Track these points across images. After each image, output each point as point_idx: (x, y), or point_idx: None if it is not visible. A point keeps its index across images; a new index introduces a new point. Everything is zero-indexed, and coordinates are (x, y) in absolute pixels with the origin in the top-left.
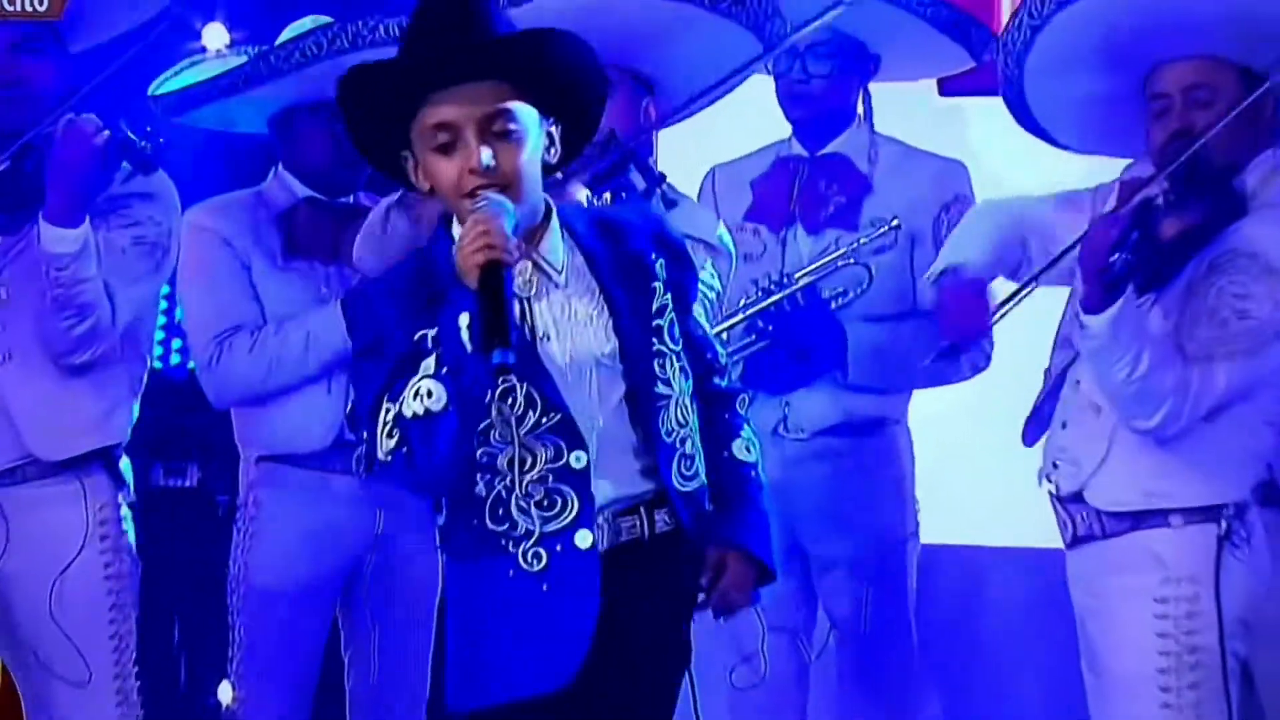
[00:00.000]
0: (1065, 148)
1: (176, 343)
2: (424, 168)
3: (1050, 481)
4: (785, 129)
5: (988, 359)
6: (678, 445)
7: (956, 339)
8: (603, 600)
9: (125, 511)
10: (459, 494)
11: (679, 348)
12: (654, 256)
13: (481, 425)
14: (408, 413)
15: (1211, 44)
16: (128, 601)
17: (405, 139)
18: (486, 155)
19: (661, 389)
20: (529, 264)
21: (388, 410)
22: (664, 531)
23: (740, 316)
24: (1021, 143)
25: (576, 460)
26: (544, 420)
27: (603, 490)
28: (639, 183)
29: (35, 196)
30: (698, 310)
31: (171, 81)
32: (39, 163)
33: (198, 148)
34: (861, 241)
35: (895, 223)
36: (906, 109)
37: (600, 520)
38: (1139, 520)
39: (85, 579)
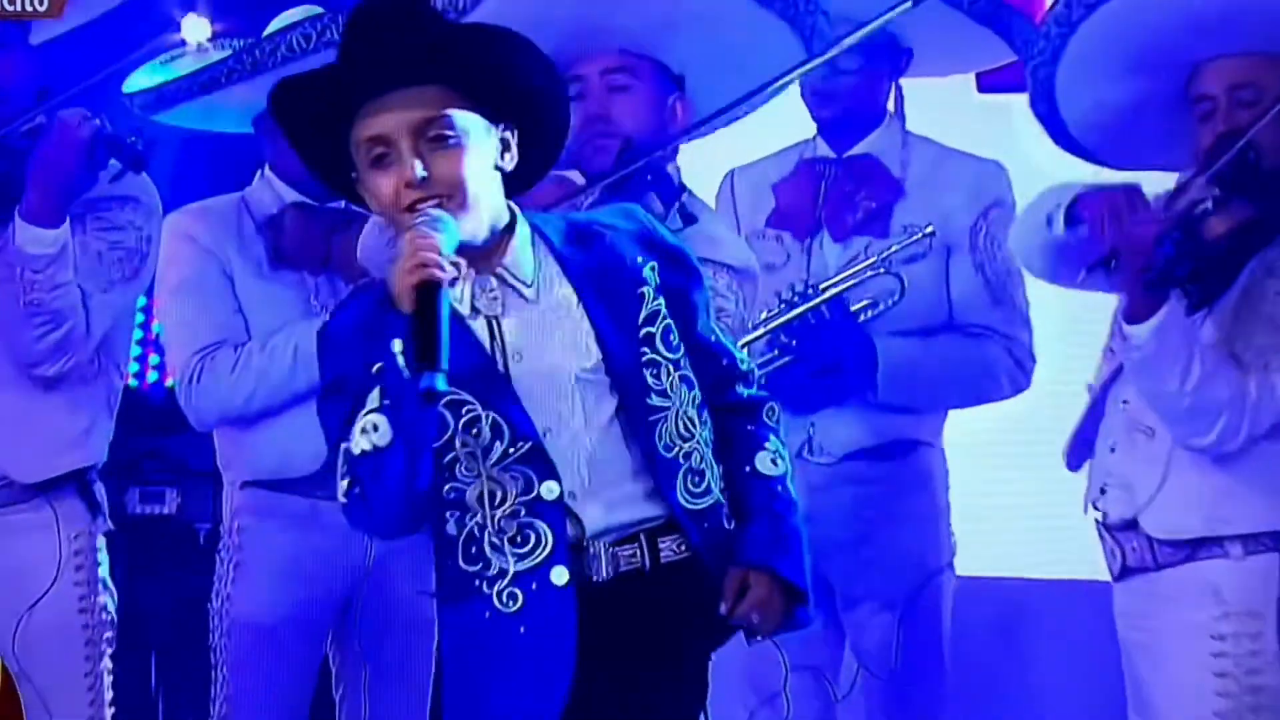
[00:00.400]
0: (1104, 164)
1: (154, 358)
2: (364, 184)
3: (1098, 509)
4: (810, 128)
5: (1029, 377)
6: (681, 460)
7: (1116, 245)
8: (597, 637)
9: (100, 541)
10: (437, 533)
11: (678, 355)
12: (641, 260)
13: (447, 459)
14: (356, 450)
15: (1255, 39)
16: (102, 638)
17: (349, 156)
18: (418, 167)
19: (656, 401)
20: (494, 279)
21: (344, 449)
22: (672, 560)
23: (762, 331)
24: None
25: (548, 491)
26: (511, 450)
27: (592, 518)
28: (656, 205)
29: (5, 196)
30: (707, 317)
31: (148, 77)
32: (11, 161)
33: (178, 149)
34: (893, 249)
35: (929, 229)
36: (941, 106)
37: (595, 550)
38: (1195, 549)
39: (58, 614)
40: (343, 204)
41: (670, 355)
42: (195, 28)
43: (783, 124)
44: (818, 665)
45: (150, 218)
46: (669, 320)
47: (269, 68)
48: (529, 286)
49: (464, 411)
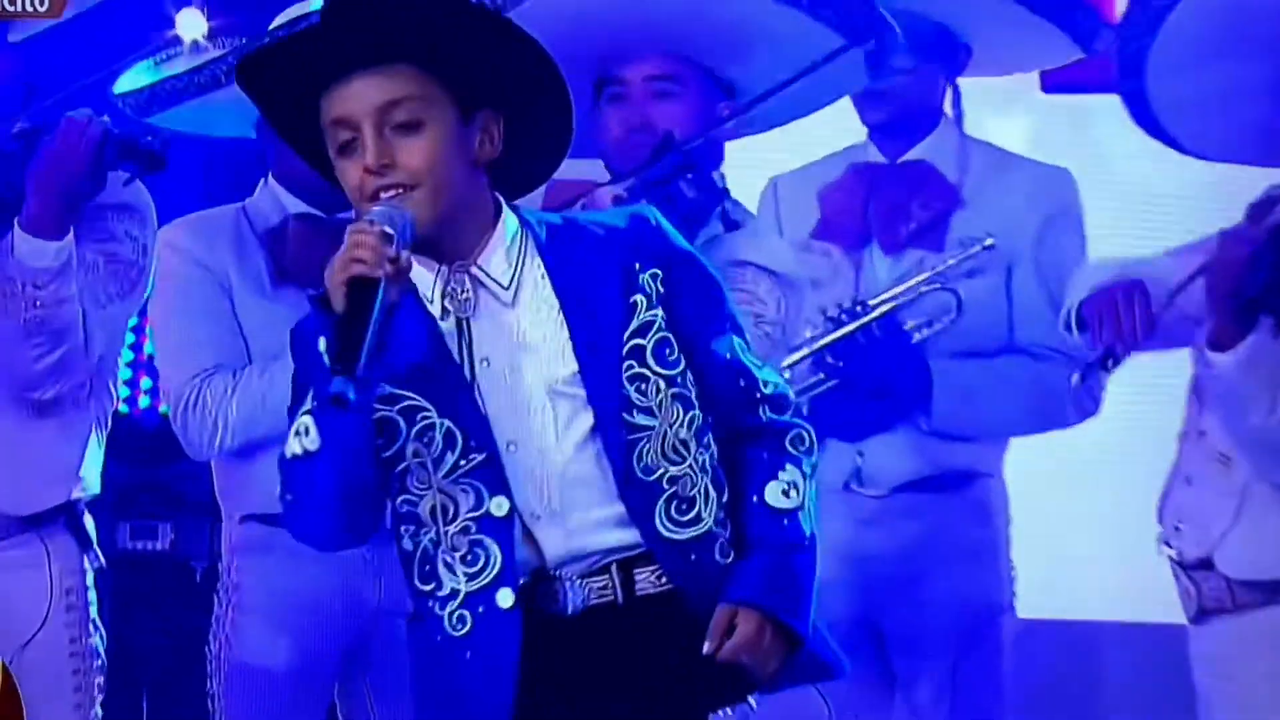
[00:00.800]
0: (1197, 155)
1: (146, 382)
2: (339, 168)
3: (1170, 546)
4: (860, 132)
5: (1097, 404)
6: (664, 485)
7: (1112, 344)
8: (566, 671)
9: (91, 578)
10: (398, 550)
11: (674, 372)
12: (638, 266)
13: (399, 468)
14: (288, 453)
15: None
16: (94, 682)
17: (319, 138)
18: (379, 153)
19: (639, 419)
20: (467, 279)
21: (279, 453)
22: (650, 593)
23: (805, 351)
24: (1139, 147)
25: (497, 507)
26: (463, 462)
27: (553, 542)
28: (689, 194)
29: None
30: (728, 333)
31: (138, 77)
32: (3, 166)
33: (172, 156)
34: (949, 263)
35: (989, 242)
36: (1003, 108)
37: (564, 581)
38: (1275, 592)
39: (48, 655)
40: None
41: (663, 371)
42: (191, 24)
43: (830, 128)
44: (865, 716)
45: (145, 228)
46: (666, 333)
47: None
48: (505, 289)
49: (419, 419)
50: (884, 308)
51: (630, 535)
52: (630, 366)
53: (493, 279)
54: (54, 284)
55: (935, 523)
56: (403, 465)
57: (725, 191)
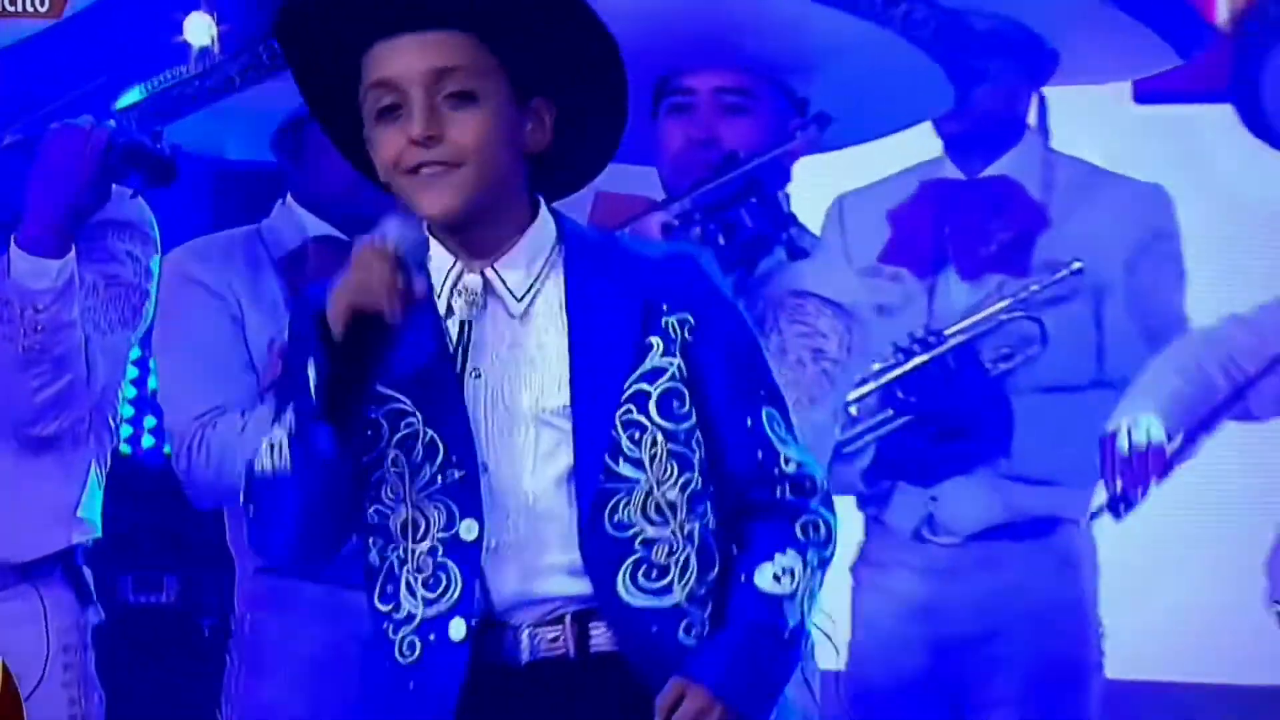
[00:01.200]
0: None
1: (150, 420)
2: (370, 144)
3: (1278, 603)
4: (934, 145)
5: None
6: (636, 546)
7: (1121, 493)
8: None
9: (90, 634)
10: (363, 563)
11: (678, 427)
12: (665, 307)
13: (375, 476)
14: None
15: None
16: None
17: (354, 102)
18: (429, 123)
19: (624, 469)
20: (479, 279)
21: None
22: (605, 650)
23: (873, 385)
24: (1243, 161)
25: (467, 530)
26: (440, 477)
27: (507, 580)
28: (749, 219)
29: None
30: (757, 400)
31: (142, 90)
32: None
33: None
34: (1033, 289)
35: (1077, 265)
36: (1093, 119)
37: (514, 629)
38: None
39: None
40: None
41: (664, 424)
42: (199, 28)
43: (900, 141)
44: None
45: (146, 248)
46: (680, 385)
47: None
48: (518, 300)
49: (403, 425)
50: (960, 338)
51: (585, 586)
52: (628, 411)
53: (506, 286)
54: (55, 307)
55: (1015, 574)
56: (379, 473)
57: (791, 217)
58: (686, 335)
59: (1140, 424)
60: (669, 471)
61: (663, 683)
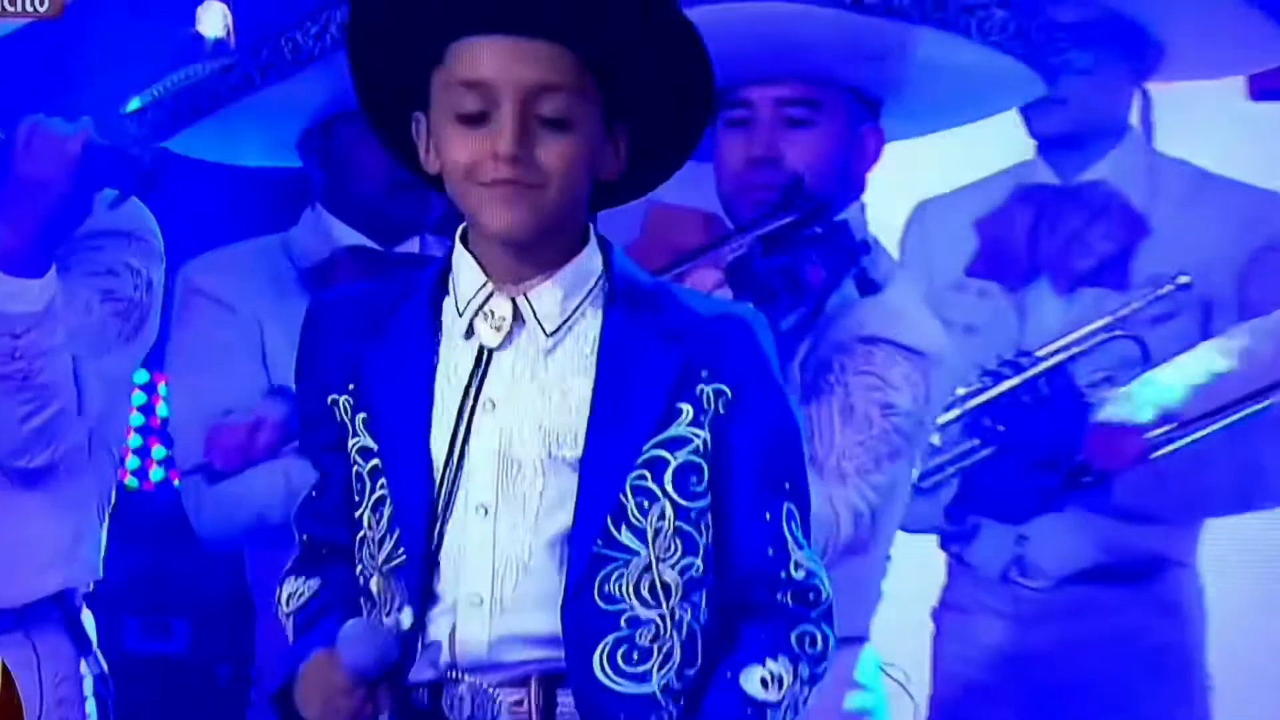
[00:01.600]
0: None
1: (159, 450)
2: (436, 138)
3: None
4: (1026, 148)
5: None
6: (622, 624)
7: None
8: None
9: (90, 686)
10: None
11: (691, 504)
12: (704, 374)
13: (359, 535)
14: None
15: None
16: None
17: (422, 89)
18: (518, 142)
19: (624, 537)
20: (510, 304)
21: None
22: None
23: (957, 411)
24: None
25: (405, 618)
26: (397, 553)
27: (477, 636)
28: (812, 261)
29: None
30: (780, 494)
31: (153, 92)
32: None
33: (191, 175)
34: (1134, 305)
35: (1183, 279)
36: (1202, 118)
37: (477, 686)
38: None
39: None
40: (415, 245)
41: (677, 498)
42: (214, 18)
43: (989, 142)
44: None
45: (150, 260)
46: (701, 460)
47: (315, 59)
48: (547, 335)
49: (378, 485)
50: (1054, 359)
51: (556, 651)
52: (641, 476)
53: (537, 316)
54: (35, 330)
55: (1114, 621)
56: (361, 531)
57: (863, 245)
58: (720, 408)
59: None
60: (671, 550)
61: None
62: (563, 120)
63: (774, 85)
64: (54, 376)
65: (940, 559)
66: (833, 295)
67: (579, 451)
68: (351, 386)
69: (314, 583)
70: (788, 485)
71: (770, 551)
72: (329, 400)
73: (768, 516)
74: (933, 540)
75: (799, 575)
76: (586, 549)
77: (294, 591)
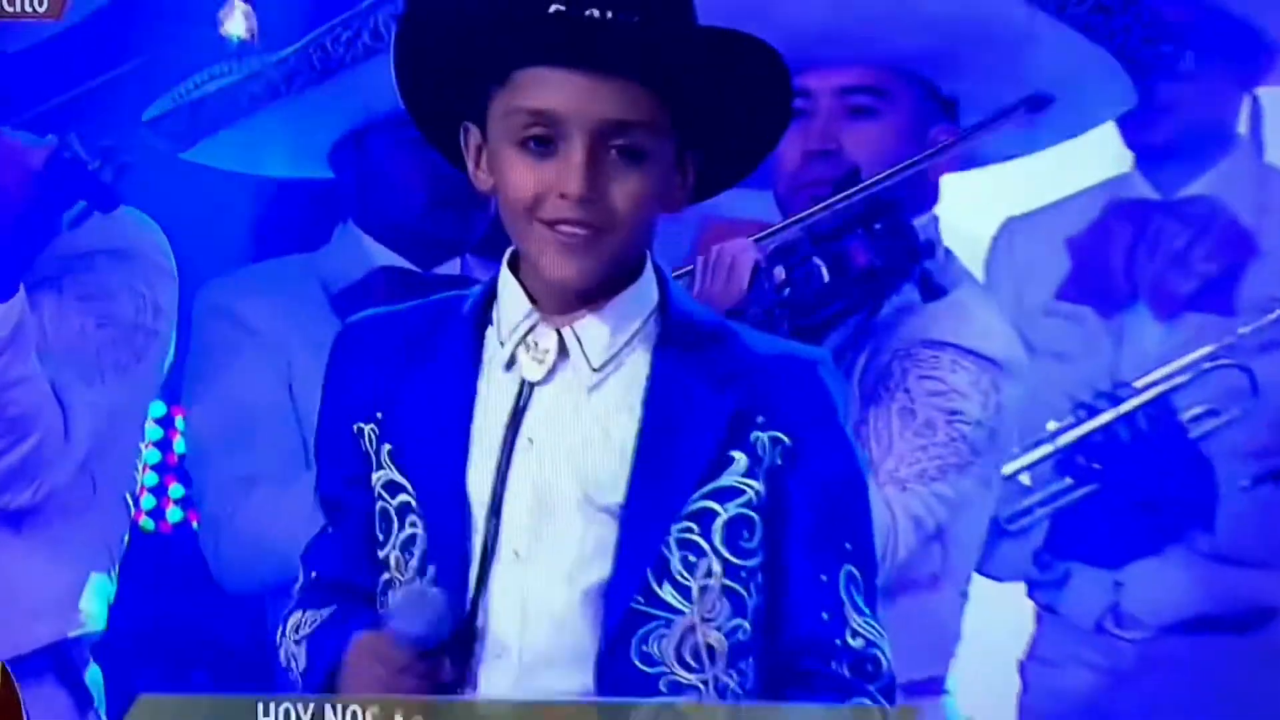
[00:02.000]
0: None
1: (177, 489)
2: (494, 158)
3: None
4: (1123, 159)
5: None
6: (663, 689)
7: None
8: None
9: None
10: None
11: (742, 562)
12: (760, 420)
13: (383, 578)
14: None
15: None
16: None
17: (477, 103)
18: (587, 181)
19: (666, 594)
20: (555, 336)
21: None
22: None
23: (1047, 448)
24: None
25: None
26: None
27: (494, 688)
28: (862, 254)
29: None
30: (841, 554)
31: (173, 99)
32: None
33: (214, 198)
34: (1242, 332)
35: None
36: None
37: None
38: None
39: None
40: (456, 266)
41: (726, 554)
42: (237, 19)
43: (1083, 153)
44: None
45: (158, 281)
46: (754, 515)
47: (348, 65)
48: (594, 370)
49: (407, 523)
50: (1153, 391)
51: None
52: (688, 529)
53: (584, 350)
54: (4, 357)
55: (1219, 675)
56: (386, 575)
57: (927, 246)
58: (778, 458)
59: None
60: (717, 611)
61: None
62: (635, 153)
63: (834, 71)
64: (28, 409)
65: (1028, 608)
66: (892, 296)
67: (620, 498)
68: (379, 415)
69: (326, 611)
70: (849, 545)
71: (825, 617)
72: (354, 429)
73: (824, 579)
74: (1020, 588)
75: (857, 644)
76: (624, 604)
77: (303, 620)
